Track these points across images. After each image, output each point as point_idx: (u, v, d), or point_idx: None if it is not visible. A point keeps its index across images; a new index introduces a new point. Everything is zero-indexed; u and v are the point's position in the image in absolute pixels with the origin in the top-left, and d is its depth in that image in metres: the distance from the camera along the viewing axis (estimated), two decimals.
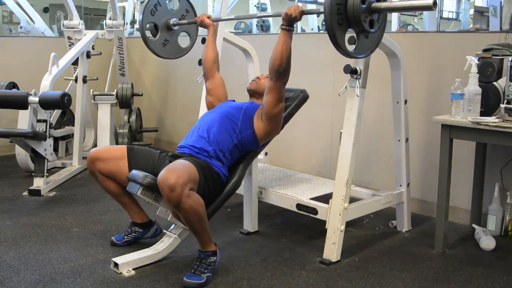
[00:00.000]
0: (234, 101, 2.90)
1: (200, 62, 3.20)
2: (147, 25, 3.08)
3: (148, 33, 3.14)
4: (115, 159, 2.62)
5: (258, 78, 2.91)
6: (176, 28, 3.18)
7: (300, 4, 2.41)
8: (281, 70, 2.44)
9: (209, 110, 2.83)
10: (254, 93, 2.85)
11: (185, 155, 2.56)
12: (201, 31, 3.44)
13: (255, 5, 6.87)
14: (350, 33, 2.17)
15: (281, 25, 2.43)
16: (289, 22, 2.41)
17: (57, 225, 3.12)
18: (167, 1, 3.13)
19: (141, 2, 6.93)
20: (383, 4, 2.11)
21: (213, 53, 2.95)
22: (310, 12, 2.36)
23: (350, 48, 2.20)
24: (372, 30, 2.13)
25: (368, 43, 2.25)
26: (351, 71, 2.56)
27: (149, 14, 3.05)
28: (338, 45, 2.07)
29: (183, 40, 3.34)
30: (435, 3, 1.94)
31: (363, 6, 2.05)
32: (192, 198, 2.25)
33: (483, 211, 3.03)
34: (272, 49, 2.45)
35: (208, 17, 3.01)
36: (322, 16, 6.40)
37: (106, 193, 2.75)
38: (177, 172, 2.23)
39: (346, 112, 2.63)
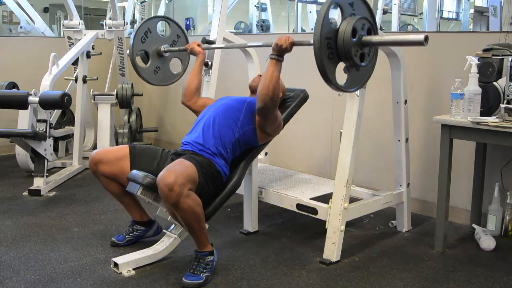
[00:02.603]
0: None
1: None
2: (138, 53, 3.03)
3: (139, 59, 3.09)
4: (117, 160, 2.62)
5: (260, 75, 2.90)
6: (167, 55, 3.13)
7: (291, 36, 2.39)
8: (267, 100, 2.43)
9: (211, 104, 2.83)
10: (256, 90, 2.84)
11: (188, 152, 2.56)
12: (202, 29, 3.43)
13: (255, 5, 6.87)
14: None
15: (271, 54, 2.41)
16: (279, 53, 2.39)
17: (57, 225, 3.12)
18: (157, 28, 3.09)
19: (141, 2, 6.94)
20: (374, 38, 2.05)
21: (197, 82, 2.94)
22: (301, 44, 2.35)
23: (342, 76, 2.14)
24: (363, 64, 2.07)
25: (360, 76, 2.18)
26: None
27: (139, 41, 2.99)
28: (329, 80, 2.01)
29: (175, 64, 3.28)
30: (426, 39, 1.88)
31: (354, 40, 1.99)
32: (191, 198, 2.25)
33: (483, 211, 3.03)
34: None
35: (199, 45, 2.98)
36: None
37: (108, 193, 2.75)
38: (176, 172, 2.23)
39: (346, 112, 2.63)
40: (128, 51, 3.02)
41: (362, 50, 2.06)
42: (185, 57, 3.21)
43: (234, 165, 2.65)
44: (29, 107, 3.74)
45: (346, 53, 2.00)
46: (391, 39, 2.12)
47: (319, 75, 2.02)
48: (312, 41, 1.98)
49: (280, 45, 2.36)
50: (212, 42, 3.27)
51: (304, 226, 3.12)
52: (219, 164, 2.53)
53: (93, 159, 2.64)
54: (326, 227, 2.63)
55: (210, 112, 2.69)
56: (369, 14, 2.13)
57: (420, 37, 1.90)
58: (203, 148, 2.55)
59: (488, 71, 2.64)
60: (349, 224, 2.88)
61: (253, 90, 2.89)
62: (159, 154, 2.67)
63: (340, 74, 2.08)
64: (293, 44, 2.37)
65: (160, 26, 3.12)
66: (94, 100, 4.54)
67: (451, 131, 2.65)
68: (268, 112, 2.51)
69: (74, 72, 4.70)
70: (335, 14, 2.18)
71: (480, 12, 5.80)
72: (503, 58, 2.63)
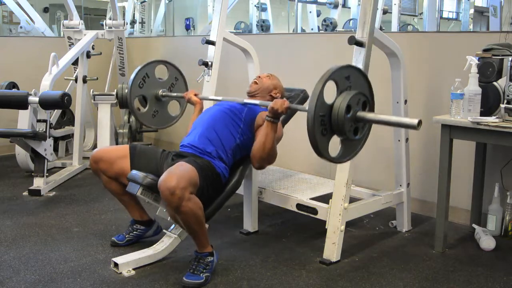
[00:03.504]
0: None
1: (200, 62, 3.20)
2: (136, 98, 2.99)
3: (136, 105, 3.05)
4: (118, 159, 2.62)
5: (259, 77, 2.88)
6: (165, 99, 3.10)
7: (287, 101, 2.42)
8: (262, 162, 2.53)
9: (209, 107, 2.82)
10: (255, 94, 2.83)
11: (189, 154, 2.56)
12: (202, 29, 3.42)
13: (255, 5, 6.87)
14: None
15: (266, 116, 2.45)
16: (275, 116, 2.43)
17: (57, 225, 3.12)
18: (155, 72, 3.04)
19: (141, 2, 6.94)
20: (368, 115, 2.04)
21: None
22: (296, 109, 2.39)
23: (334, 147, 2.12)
24: (356, 137, 2.07)
25: (353, 147, 2.16)
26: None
27: (137, 87, 2.95)
28: (322, 154, 2.01)
29: (173, 105, 3.24)
30: (419, 123, 1.89)
31: (348, 115, 1.99)
32: (192, 201, 2.26)
33: (483, 211, 3.03)
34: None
35: (196, 95, 2.97)
36: (322, 16, 6.41)
37: (108, 192, 2.75)
38: (177, 176, 2.23)
39: None
40: (126, 96, 2.98)
41: (356, 125, 2.05)
42: (183, 100, 3.16)
43: (234, 166, 2.65)
44: (29, 107, 3.74)
45: (340, 128, 2.00)
46: (385, 119, 2.09)
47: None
48: (307, 108, 1.97)
49: (276, 109, 2.40)
50: (212, 42, 3.27)
51: (304, 226, 3.12)
52: (219, 167, 2.53)
53: (94, 157, 2.65)
54: (326, 227, 2.63)
55: (208, 116, 2.69)
56: (365, 86, 2.11)
57: (414, 121, 1.91)
58: (203, 151, 2.56)
59: (488, 71, 2.64)
60: (349, 224, 2.88)
61: (251, 96, 2.87)
62: (159, 154, 2.67)
63: (332, 142, 2.07)
64: (288, 109, 2.41)
65: (158, 69, 3.07)
66: (94, 100, 4.54)
67: (451, 131, 2.65)
68: (265, 167, 2.61)
69: (74, 72, 4.71)
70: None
71: (480, 12, 5.80)
72: (503, 58, 2.63)
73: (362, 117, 2.04)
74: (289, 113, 2.89)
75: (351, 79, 2.06)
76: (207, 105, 3.02)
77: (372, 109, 2.12)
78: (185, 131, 2.82)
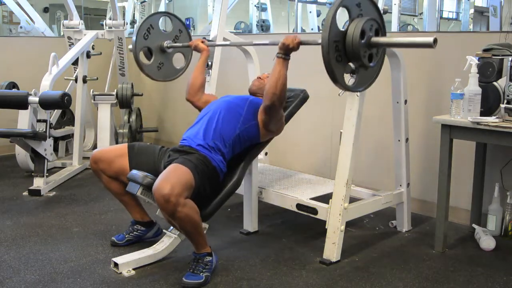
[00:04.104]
0: None
1: None
2: (141, 49, 3.02)
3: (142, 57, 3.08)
4: (117, 159, 2.63)
5: (259, 78, 2.90)
6: (170, 50, 3.12)
7: (298, 35, 2.39)
8: (274, 99, 2.44)
9: (213, 100, 2.83)
10: (256, 93, 2.84)
11: (185, 148, 2.56)
12: (202, 29, 3.42)
13: (255, 5, 6.87)
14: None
15: (278, 53, 2.42)
16: (286, 52, 2.39)
17: (57, 225, 3.12)
18: (159, 23, 3.08)
19: (141, 2, 6.94)
20: (382, 39, 2.05)
21: (201, 78, 2.93)
22: (308, 43, 2.35)
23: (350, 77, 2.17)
24: (371, 64, 2.08)
25: (368, 75, 2.19)
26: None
27: (142, 38, 2.98)
28: (337, 81, 2.02)
29: (178, 59, 3.27)
30: (435, 41, 1.88)
31: (362, 41, 2.00)
32: (187, 206, 2.25)
33: (483, 211, 3.03)
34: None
35: (202, 42, 2.98)
36: (322, 16, 6.41)
37: (108, 192, 2.75)
38: (171, 182, 2.22)
39: (346, 112, 2.63)
40: (130, 47, 3.01)
41: (371, 51, 2.07)
42: (188, 52, 3.22)
43: (234, 165, 2.65)
44: (29, 107, 3.74)
45: (355, 54, 2.01)
46: (400, 41, 2.12)
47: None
48: (319, 41, 1.99)
49: (287, 44, 2.37)
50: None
51: (304, 226, 3.12)
52: (214, 160, 2.52)
53: (93, 158, 2.65)
54: (326, 227, 2.63)
55: (212, 108, 2.69)
56: (377, 14, 2.13)
57: (429, 39, 1.90)
58: (201, 143, 2.55)
59: (488, 71, 2.64)
60: (349, 224, 2.88)
61: (253, 94, 2.88)
62: (157, 152, 2.67)
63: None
64: (300, 43, 2.37)
65: (162, 22, 3.10)
66: (94, 100, 4.54)
67: (451, 131, 2.65)
68: (275, 111, 2.52)
69: (74, 72, 4.70)
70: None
71: (480, 12, 5.80)
72: (503, 58, 2.63)
73: (376, 42, 2.04)
74: (290, 113, 2.90)
75: (362, 6, 2.07)
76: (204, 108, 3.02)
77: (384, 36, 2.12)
78: (185, 127, 2.81)
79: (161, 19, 3.13)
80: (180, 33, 3.18)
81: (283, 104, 2.53)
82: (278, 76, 2.40)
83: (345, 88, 2.09)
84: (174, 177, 2.27)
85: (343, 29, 2.01)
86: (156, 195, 2.21)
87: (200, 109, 2.87)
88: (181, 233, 2.54)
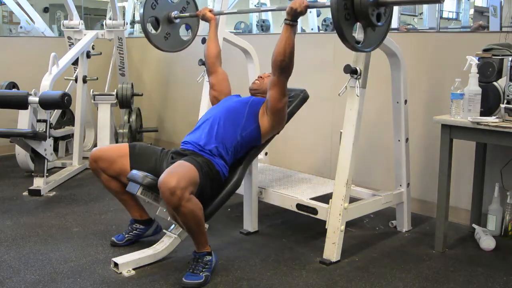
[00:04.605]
0: (239, 96, 2.89)
1: (200, 62, 3.21)
2: (148, 19, 3.06)
3: (149, 27, 3.12)
4: (118, 158, 2.62)
5: (260, 77, 2.91)
6: (177, 21, 3.16)
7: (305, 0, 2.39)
8: (283, 65, 2.43)
9: (214, 105, 2.83)
10: (257, 93, 2.85)
11: (188, 151, 2.56)
12: (201, 29, 3.43)
13: (255, 5, 6.86)
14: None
15: (285, 19, 2.41)
16: (294, 17, 2.38)
17: (57, 225, 3.12)
18: None
19: (141, 2, 6.93)
20: None
21: (215, 47, 2.96)
22: (315, 6, 2.35)
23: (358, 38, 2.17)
24: (379, 23, 2.11)
25: (375, 37, 2.24)
26: (351, 71, 2.56)
27: (150, 8, 3.03)
28: (346, 40, 2.06)
29: (184, 31, 3.31)
30: None
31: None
32: (192, 202, 2.26)
33: (483, 211, 3.03)
34: (275, 46, 2.44)
35: (210, 11, 3.00)
36: (322, 16, 6.40)
37: (107, 190, 2.75)
38: (177, 176, 2.23)
39: (346, 112, 2.63)
40: (139, 18, 3.04)
41: (378, 10, 2.09)
42: (194, 24, 3.26)
43: (234, 165, 2.65)
44: (29, 107, 3.75)
45: (363, 12, 2.04)
46: None
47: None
48: (327, 3, 2.01)
49: (295, 8, 2.36)
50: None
51: (304, 226, 3.12)
52: (218, 165, 2.53)
53: (93, 156, 2.65)
54: (326, 227, 2.63)
55: (212, 114, 2.69)
56: None
57: None
58: (203, 149, 2.55)
59: (488, 71, 2.64)
60: (349, 224, 2.88)
61: (253, 93, 2.88)
62: (158, 153, 2.67)
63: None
64: (307, 7, 2.37)
65: None
66: (94, 100, 4.54)
67: (451, 131, 2.65)
68: (282, 82, 2.49)
69: (74, 72, 4.71)
70: None
71: (480, 12, 5.79)
72: (503, 58, 2.63)
73: (385, 0, 2.07)
74: (289, 113, 2.90)
75: None
76: (210, 102, 3.02)
77: None
78: (185, 127, 2.81)
79: None
80: (188, 4, 3.22)
81: (290, 73, 2.49)
82: (286, 43, 2.39)
83: (353, 47, 2.12)
84: (180, 172, 2.28)
85: None
86: (162, 188, 2.21)
87: (213, 86, 2.89)
88: (183, 231, 2.55)
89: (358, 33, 2.23)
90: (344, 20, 2.02)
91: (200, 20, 3.19)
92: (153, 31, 3.14)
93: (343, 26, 2.02)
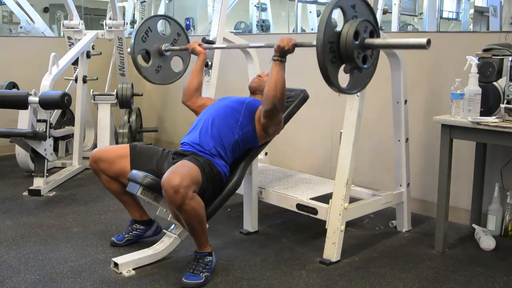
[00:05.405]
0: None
1: None
2: (139, 52, 3.02)
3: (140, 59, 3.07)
4: (118, 159, 2.62)
5: (259, 75, 2.91)
6: (168, 53, 3.12)
7: (292, 38, 2.39)
8: (275, 101, 2.44)
9: (211, 104, 2.83)
10: (256, 91, 2.85)
11: (189, 153, 2.56)
12: (202, 29, 3.42)
13: (255, 5, 6.87)
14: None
15: (273, 56, 2.42)
16: (282, 54, 2.40)
17: (57, 225, 3.12)
18: (158, 26, 3.08)
19: (141, 2, 6.94)
20: (376, 41, 2.05)
21: (197, 81, 2.92)
22: (302, 45, 2.35)
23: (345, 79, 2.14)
24: (365, 66, 2.07)
25: (361, 78, 2.18)
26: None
27: (140, 41, 2.98)
28: (332, 83, 2.01)
29: (176, 62, 3.27)
30: (428, 43, 1.88)
31: (356, 42, 1.99)
32: (195, 200, 2.26)
33: (483, 211, 3.03)
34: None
35: (200, 45, 2.98)
36: None
37: (107, 191, 2.75)
38: (181, 174, 2.23)
39: (346, 112, 2.63)
40: (129, 50, 3.01)
41: (365, 53, 2.06)
42: (186, 56, 3.21)
43: (234, 165, 2.65)
44: (29, 107, 3.74)
45: (349, 55, 2.00)
46: (393, 42, 2.12)
47: (319, 75, 2.02)
48: (313, 43, 1.98)
49: (282, 46, 2.37)
50: (212, 42, 3.27)
51: (304, 226, 3.12)
52: (219, 165, 2.53)
53: (93, 157, 2.65)
54: (326, 227, 2.63)
55: (209, 113, 2.69)
56: (371, 17, 2.13)
57: (422, 41, 1.89)
58: (202, 149, 2.55)
59: (488, 71, 2.64)
60: (349, 224, 2.88)
61: (252, 91, 2.89)
62: (159, 154, 2.67)
63: (341, 75, 2.07)
64: (295, 45, 2.37)
65: (160, 25, 3.09)
66: (94, 100, 4.54)
67: (451, 131, 2.65)
68: (275, 115, 2.52)
69: (74, 72, 4.71)
70: (335, 15, 2.18)
71: (480, 12, 5.80)
72: (503, 58, 2.63)
73: (371, 44, 2.04)
74: (289, 113, 2.90)
75: (357, 8, 2.07)
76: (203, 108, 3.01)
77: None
78: (185, 127, 2.81)
79: (159, 22, 3.13)
80: (179, 37, 3.18)
81: (284, 106, 2.52)
82: (276, 79, 2.40)
83: (340, 90, 2.07)
84: (183, 171, 2.28)
85: (338, 30, 2.01)
86: (165, 186, 2.21)
87: (196, 113, 2.87)
88: (183, 231, 2.55)
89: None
90: (330, 63, 1.98)
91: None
92: (144, 64, 3.09)
93: (329, 68, 1.98)
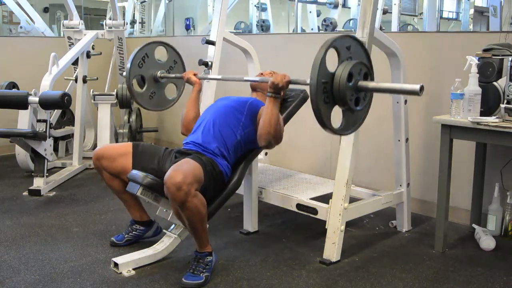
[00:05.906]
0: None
1: (200, 62, 3.20)
2: (134, 77, 2.99)
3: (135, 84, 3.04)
4: (120, 157, 2.63)
5: (261, 74, 2.92)
6: (163, 80, 3.10)
7: (287, 75, 2.40)
8: (270, 138, 2.45)
9: (211, 104, 2.83)
10: (257, 87, 2.85)
11: (192, 151, 2.56)
12: (202, 29, 3.41)
13: (255, 5, 6.87)
14: None
15: (268, 92, 2.42)
16: (276, 91, 2.40)
17: (57, 225, 3.12)
18: (155, 53, 3.06)
19: (141, 2, 6.94)
20: (370, 84, 2.03)
21: (194, 112, 2.89)
22: (297, 82, 2.34)
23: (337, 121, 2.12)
24: (357, 108, 2.06)
25: (354, 119, 2.16)
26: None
27: (137, 66, 2.96)
28: (324, 124, 2.00)
29: (170, 89, 3.24)
30: (421, 89, 1.87)
31: (350, 84, 1.97)
32: (197, 198, 2.27)
33: (483, 211, 3.03)
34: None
35: (195, 74, 2.97)
36: (322, 16, 6.40)
37: (108, 192, 2.75)
38: (184, 172, 2.24)
39: None
40: (124, 73, 2.98)
41: (358, 95, 2.03)
42: (181, 83, 3.17)
43: (234, 165, 2.65)
44: (29, 107, 3.75)
45: (341, 97, 1.97)
46: (387, 86, 2.09)
47: None
48: (308, 80, 1.96)
49: (276, 83, 2.38)
50: (213, 42, 3.27)
51: (304, 226, 3.12)
52: (221, 165, 2.53)
53: (96, 154, 2.66)
54: (326, 227, 2.63)
55: (211, 113, 2.69)
56: (366, 59, 2.12)
57: (416, 87, 1.88)
58: (205, 149, 2.56)
59: (488, 71, 2.64)
60: (349, 224, 2.88)
61: (253, 88, 2.89)
62: (161, 153, 2.67)
63: (334, 115, 2.05)
64: (289, 82, 2.38)
65: (157, 53, 3.06)
66: (94, 100, 4.55)
67: (451, 131, 2.65)
68: (272, 146, 2.53)
69: (74, 72, 4.71)
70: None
71: (480, 12, 5.80)
72: (503, 58, 2.63)
73: (364, 86, 2.02)
74: (289, 113, 2.90)
75: (352, 49, 2.06)
76: (204, 105, 3.02)
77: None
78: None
79: (156, 48, 3.10)
80: (175, 64, 3.15)
81: (280, 141, 2.52)
82: (270, 116, 2.42)
83: (333, 131, 2.05)
84: (186, 168, 2.28)
85: (332, 71, 1.99)
86: (168, 183, 2.21)
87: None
88: (183, 231, 2.55)
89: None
90: (323, 104, 1.96)
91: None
92: (138, 89, 3.07)
93: (322, 109, 1.96)
